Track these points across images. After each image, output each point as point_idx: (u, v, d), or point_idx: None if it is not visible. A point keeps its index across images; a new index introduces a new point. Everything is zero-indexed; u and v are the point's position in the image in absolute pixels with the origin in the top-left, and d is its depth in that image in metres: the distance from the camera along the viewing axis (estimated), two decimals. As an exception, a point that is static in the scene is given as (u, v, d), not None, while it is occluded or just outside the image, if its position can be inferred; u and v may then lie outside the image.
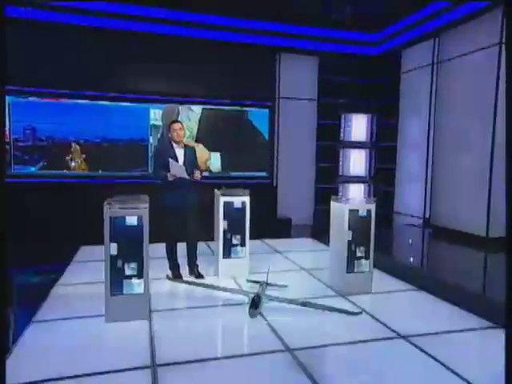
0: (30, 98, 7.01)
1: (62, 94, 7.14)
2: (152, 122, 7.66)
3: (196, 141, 7.76)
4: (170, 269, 4.58)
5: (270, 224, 7.52)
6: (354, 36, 8.23)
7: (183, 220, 4.45)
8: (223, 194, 4.59)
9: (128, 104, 7.46)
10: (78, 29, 6.86)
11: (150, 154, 7.64)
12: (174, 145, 4.45)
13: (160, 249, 4.48)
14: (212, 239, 4.93)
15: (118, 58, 7.22)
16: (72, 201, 6.72)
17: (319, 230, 7.09)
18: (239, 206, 4.63)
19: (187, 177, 4.25)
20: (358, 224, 4.17)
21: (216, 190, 4.70)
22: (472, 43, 6.18)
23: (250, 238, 4.76)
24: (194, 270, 4.62)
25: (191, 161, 4.46)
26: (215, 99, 7.87)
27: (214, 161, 8.02)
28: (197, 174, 4.33)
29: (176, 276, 4.48)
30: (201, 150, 7.85)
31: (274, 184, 8.43)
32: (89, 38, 6.99)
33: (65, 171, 7.23)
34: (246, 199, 4.65)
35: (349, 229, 4.15)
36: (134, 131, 7.54)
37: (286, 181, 8.39)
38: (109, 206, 3.38)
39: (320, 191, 8.63)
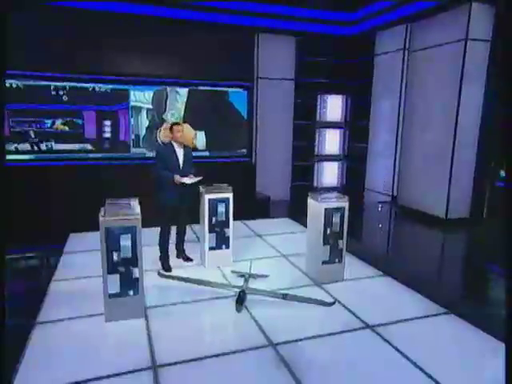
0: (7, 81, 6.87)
1: (37, 76, 7.02)
2: (132, 104, 7.69)
3: (184, 121, 7.91)
4: (161, 259, 4.94)
5: (249, 203, 7.87)
6: (331, 15, 8.30)
7: (178, 211, 4.86)
8: (208, 192, 4.88)
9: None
10: (57, 9, 6.68)
11: (131, 136, 7.74)
12: (175, 145, 4.74)
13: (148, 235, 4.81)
14: (197, 222, 5.24)
15: (98, 40, 7.10)
16: (59, 185, 6.83)
17: (296, 210, 7.52)
18: (223, 201, 4.94)
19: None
20: (332, 220, 4.57)
21: (201, 188, 4.96)
22: (441, 35, 6.45)
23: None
24: (181, 254, 5.15)
25: (189, 162, 4.82)
26: (194, 80, 7.90)
27: (200, 139, 8.22)
28: (186, 179, 4.65)
29: (166, 268, 4.86)
30: (187, 129, 8.05)
31: (253, 162, 8.72)
32: (67, 18, 6.83)
33: (51, 155, 7.28)
34: (230, 195, 4.95)
35: (324, 225, 4.55)
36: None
37: (265, 159, 8.70)
38: (103, 217, 3.63)
39: (297, 169, 9.01)
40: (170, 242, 5.02)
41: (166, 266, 4.88)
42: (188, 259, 5.16)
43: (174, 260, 5.05)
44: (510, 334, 1.87)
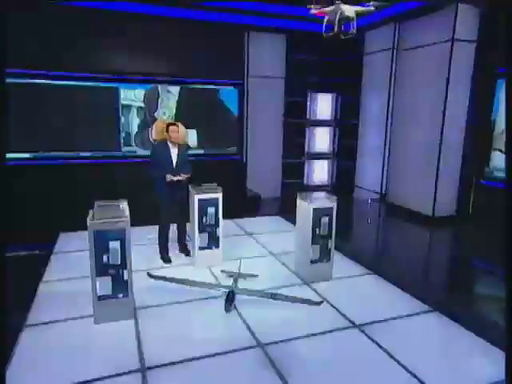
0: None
1: (26, 74, 6.94)
2: (123, 102, 7.65)
3: (178, 120, 7.87)
4: (160, 252, 5.14)
5: (240, 201, 7.88)
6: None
7: (175, 207, 4.99)
8: (197, 192, 4.89)
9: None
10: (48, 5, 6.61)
11: (121, 134, 7.71)
12: (170, 144, 4.85)
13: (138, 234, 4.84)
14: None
15: (89, 39, 7.04)
16: (49, 184, 6.77)
17: (286, 208, 7.56)
18: (213, 201, 4.96)
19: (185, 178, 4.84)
20: (321, 220, 4.62)
21: (190, 188, 4.98)
22: (428, 35, 6.52)
23: (222, 218, 5.11)
24: (184, 248, 5.33)
25: (183, 161, 4.92)
26: (185, 79, 7.88)
27: (191, 137, 8.20)
28: (178, 177, 4.79)
29: (166, 259, 5.10)
30: (182, 128, 8.02)
31: (244, 160, 8.73)
32: (58, 15, 6.76)
33: (41, 154, 7.21)
34: (219, 195, 4.97)
35: (313, 225, 4.60)
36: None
37: (255, 157, 8.72)
38: (92, 220, 3.63)
39: (287, 166, 9.05)
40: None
41: (166, 258, 5.11)
42: (188, 253, 5.30)
43: (172, 256, 5.21)
44: (510, 334, 1.90)
